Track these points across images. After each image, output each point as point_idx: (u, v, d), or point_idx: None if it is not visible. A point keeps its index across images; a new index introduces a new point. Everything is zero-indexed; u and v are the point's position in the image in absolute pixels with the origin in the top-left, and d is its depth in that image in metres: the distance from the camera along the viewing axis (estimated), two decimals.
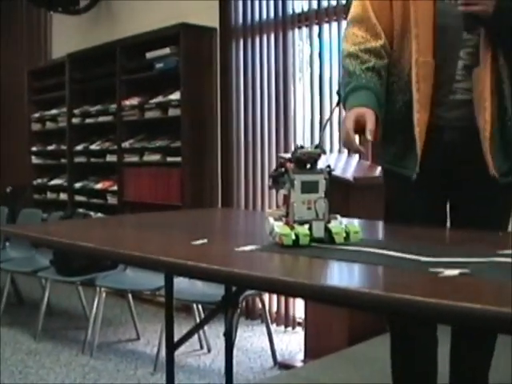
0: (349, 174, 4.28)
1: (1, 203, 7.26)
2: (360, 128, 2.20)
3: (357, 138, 2.22)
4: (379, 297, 1.24)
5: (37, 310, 5.33)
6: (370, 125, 2.18)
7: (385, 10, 2.41)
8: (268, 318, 4.83)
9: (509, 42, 2.21)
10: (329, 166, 1.91)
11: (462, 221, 2.41)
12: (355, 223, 1.94)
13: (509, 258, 1.57)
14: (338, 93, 2.43)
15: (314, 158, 1.88)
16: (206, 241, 1.92)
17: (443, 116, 2.34)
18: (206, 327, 4.69)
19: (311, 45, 5.36)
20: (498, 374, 2.63)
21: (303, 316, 4.79)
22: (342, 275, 1.60)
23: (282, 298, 5.55)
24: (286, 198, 1.88)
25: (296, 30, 5.50)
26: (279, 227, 1.82)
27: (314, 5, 5.28)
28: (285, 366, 4.60)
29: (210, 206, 5.96)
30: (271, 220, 1.87)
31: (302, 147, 1.87)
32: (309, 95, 5.37)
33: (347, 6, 2.85)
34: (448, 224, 2.53)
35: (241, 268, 1.56)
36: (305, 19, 5.39)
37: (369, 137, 2.14)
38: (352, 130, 2.19)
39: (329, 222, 1.86)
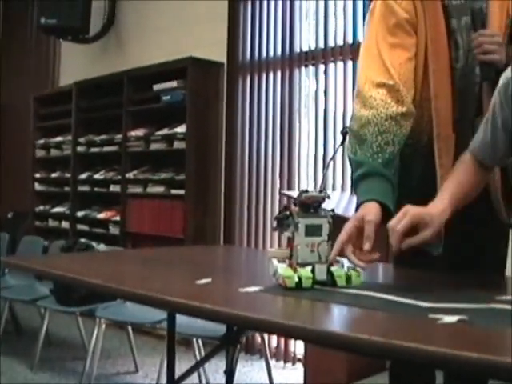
0: (351, 213, 4.29)
1: (2, 229, 7.26)
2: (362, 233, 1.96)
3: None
4: (379, 344, 1.25)
5: (35, 340, 5.30)
6: (368, 229, 1.94)
7: (408, 72, 2.26)
8: (268, 353, 4.81)
9: None
10: (332, 210, 1.94)
11: (468, 259, 2.41)
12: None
13: (507, 304, 1.59)
14: (343, 132, 2.35)
15: (318, 202, 1.91)
16: (210, 280, 1.94)
17: None
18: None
19: (317, 83, 5.41)
20: None
21: (303, 352, 4.79)
22: (343, 320, 1.62)
23: None
24: (290, 241, 1.91)
25: (302, 68, 5.56)
26: (282, 269, 1.85)
27: (321, 44, 5.35)
28: None
29: (213, 240, 5.98)
30: (275, 262, 1.90)
31: (306, 191, 1.91)
32: (313, 133, 5.42)
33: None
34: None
35: (245, 310, 1.58)
36: (311, 58, 5.46)
37: (366, 246, 1.90)
38: (341, 243, 1.92)
39: (331, 264, 1.89)
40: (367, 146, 2.16)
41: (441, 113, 2.26)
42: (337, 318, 1.64)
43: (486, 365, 1.11)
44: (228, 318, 1.57)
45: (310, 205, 1.90)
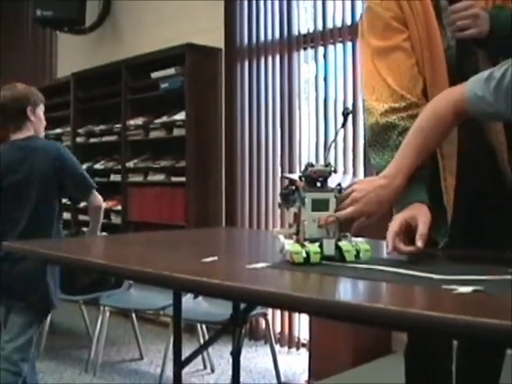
0: None
1: None
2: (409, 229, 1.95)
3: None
4: (395, 313, 1.22)
5: (40, 329, 5.27)
6: (423, 228, 1.92)
7: (410, 75, 2.25)
8: (272, 338, 4.78)
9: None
10: (339, 185, 1.91)
11: (485, 234, 2.37)
12: (365, 242, 1.93)
13: None
14: (344, 113, 2.27)
15: (324, 177, 1.88)
16: (216, 258, 1.91)
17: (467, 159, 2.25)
18: (209, 347, 4.67)
19: (316, 66, 5.37)
20: None
21: (307, 337, 4.77)
22: (354, 292, 1.59)
23: (286, 319, 5.53)
24: (297, 216, 1.88)
25: (301, 51, 5.52)
26: (290, 245, 1.82)
27: (320, 26, 5.31)
28: None
29: (215, 225, 5.95)
30: (282, 238, 1.88)
31: (312, 165, 1.88)
32: (314, 116, 5.38)
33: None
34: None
35: (254, 285, 1.56)
36: (310, 40, 5.41)
37: (419, 243, 1.87)
38: (394, 233, 1.92)
39: (339, 239, 1.86)
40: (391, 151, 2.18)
41: None
42: (348, 290, 1.61)
43: (508, 332, 1.07)
44: (237, 293, 1.54)
45: (316, 179, 1.87)
